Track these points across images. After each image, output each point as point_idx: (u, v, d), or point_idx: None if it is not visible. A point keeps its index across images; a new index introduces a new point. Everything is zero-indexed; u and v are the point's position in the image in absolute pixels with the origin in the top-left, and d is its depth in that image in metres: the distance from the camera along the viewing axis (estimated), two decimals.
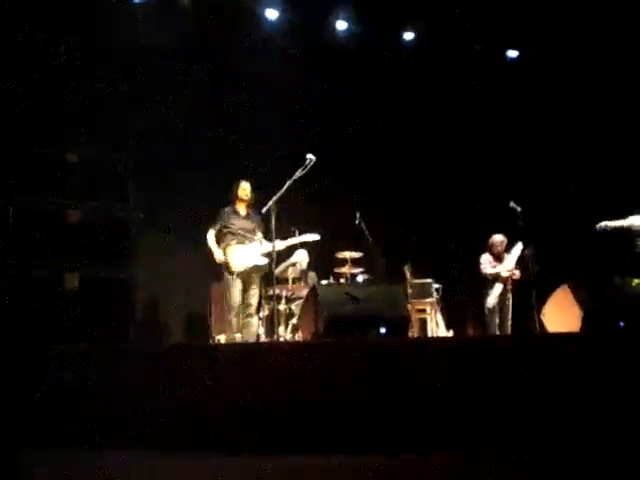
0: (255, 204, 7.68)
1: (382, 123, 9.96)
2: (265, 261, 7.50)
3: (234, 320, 7.43)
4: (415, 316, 8.65)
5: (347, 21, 10.04)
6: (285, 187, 6.88)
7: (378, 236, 8.65)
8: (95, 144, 8.57)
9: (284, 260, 8.34)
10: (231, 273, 7.42)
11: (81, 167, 8.42)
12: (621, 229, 7.80)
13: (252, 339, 7.53)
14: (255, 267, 7.52)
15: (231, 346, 6.60)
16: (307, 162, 6.83)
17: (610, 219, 8.56)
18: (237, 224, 7.63)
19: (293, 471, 3.98)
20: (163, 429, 4.32)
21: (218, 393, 4.47)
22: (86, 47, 8.52)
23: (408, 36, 10.32)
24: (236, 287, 7.44)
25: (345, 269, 8.43)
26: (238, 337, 7.68)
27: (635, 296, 7.66)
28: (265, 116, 9.29)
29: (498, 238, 8.72)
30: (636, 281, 8.35)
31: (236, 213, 7.72)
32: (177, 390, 4.47)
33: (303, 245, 8.44)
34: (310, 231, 7.73)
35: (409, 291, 8.68)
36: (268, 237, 7.40)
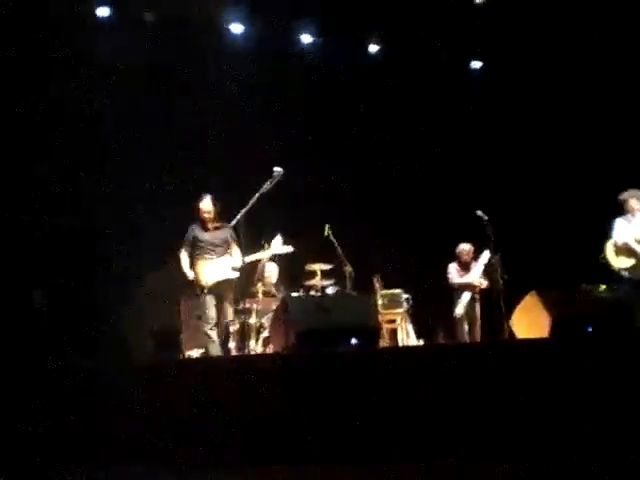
0: (222, 215, 7.55)
1: (349, 134, 10.00)
2: (236, 275, 7.39)
3: (211, 332, 7.33)
4: (386, 326, 8.68)
5: (312, 34, 10.08)
6: (253, 200, 6.87)
7: (347, 248, 8.67)
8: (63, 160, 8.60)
9: (254, 274, 8.29)
10: (202, 289, 7.33)
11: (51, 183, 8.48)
12: None
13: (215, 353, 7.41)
14: (225, 281, 7.40)
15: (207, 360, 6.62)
16: (275, 175, 6.84)
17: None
18: (205, 239, 7.49)
19: None
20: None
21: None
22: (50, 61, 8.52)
23: (373, 48, 10.39)
24: (210, 302, 7.35)
25: (315, 281, 8.43)
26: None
27: (602, 302, 7.78)
28: (232, 129, 9.30)
29: (465, 247, 8.83)
30: (602, 287, 8.47)
31: (203, 228, 7.57)
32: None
33: (273, 258, 8.43)
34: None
35: (379, 302, 8.71)
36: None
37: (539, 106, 10.19)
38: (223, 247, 7.50)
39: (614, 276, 7.87)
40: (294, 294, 8.40)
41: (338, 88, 9.96)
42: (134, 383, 4.64)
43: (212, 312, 7.36)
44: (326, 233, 8.49)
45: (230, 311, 7.61)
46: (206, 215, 7.50)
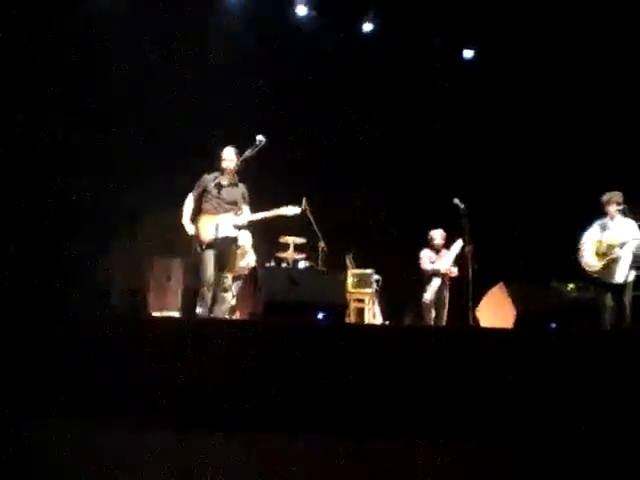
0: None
1: (333, 112, 9.97)
2: (236, 233, 7.03)
3: (208, 295, 6.88)
4: (353, 305, 8.73)
5: (307, 7, 10.03)
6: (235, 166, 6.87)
7: (323, 224, 8.67)
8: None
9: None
10: (200, 245, 6.90)
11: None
12: None
13: (224, 315, 7.05)
14: (225, 238, 6.93)
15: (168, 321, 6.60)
16: (257, 143, 6.80)
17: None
18: (217, 193, 6.99)
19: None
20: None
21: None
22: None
23: (367, 27, 10.36)
24: (209, 260, 6.89)
25: (287, 254, 8.45)
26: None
27: (569, 300, 7.89)
28: (223, 99, 9.24)
29: (437, 232, 8.83)
30: (571, 286, 8.59)
31: (218, 181, 7.07)
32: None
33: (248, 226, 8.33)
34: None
35: (349, 280, 8.75)
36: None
37: (522, 101, 10.24)
38: (231, 205, 7.05)
39: (583, 276, 7.95)
40: (266, 265, 8.41)
41: (329, 64, 9.92)
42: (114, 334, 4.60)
43: (210, 271, 6.88)
44: (303, 207, 8.48)
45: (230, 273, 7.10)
46: (228, 163, 7.04)
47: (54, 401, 4.26)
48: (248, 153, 6.81)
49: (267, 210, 7.04)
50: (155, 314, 7.98)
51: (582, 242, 7.85)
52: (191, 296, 7.54)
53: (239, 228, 7.06)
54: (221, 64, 9.40)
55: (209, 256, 6.91)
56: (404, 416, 4.35)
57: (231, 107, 9.18)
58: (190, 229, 7.05)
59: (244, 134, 7.26)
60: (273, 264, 8.48)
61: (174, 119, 9.08)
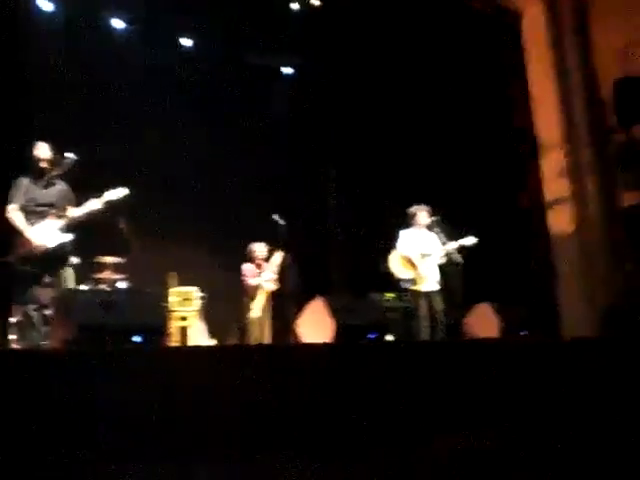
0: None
1: (214, 136, 9.90)
2: (69, 236, 6.27)
3: (34, 314, 6.18)
4: (177, 324, 8.58)
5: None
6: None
7: (144, 242, 8.43)
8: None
9: None
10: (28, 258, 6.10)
11: None
12: None
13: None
14: (60, 245, 6.21)
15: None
16: (67, 161, 6.41)
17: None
18: (35, 198, 6.22)
19: None
20: None
21: None
22: None
23: (186, 42, 10.28)
24: (30, 276, 6.13)
25: (105, 275, 8.14)
26: None
27: (385, 309, 8.16)
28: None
29: (258, 246, 8.85)
30: (390, 295, 8.90)
31: (35, 184, 6.29)
32: None
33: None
34: None
35: (171, 299, 8.59)
36: None
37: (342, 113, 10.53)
38: (49, 208, 6.27)
39: (398, 286, 8.24)
40: (82, 287, 8.06)
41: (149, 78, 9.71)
42: None
43: (35, 289, 6.16)
44: (121, 225, 8.21)
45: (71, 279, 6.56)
46: (44, 164, 6.28)
47: None
48: (56, 172, 6.42)
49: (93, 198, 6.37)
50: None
51: (393, 253, 8.18)
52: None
53: (69, 229, 6.34)
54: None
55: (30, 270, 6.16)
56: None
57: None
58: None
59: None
60: (91, 286, 8.13)
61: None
